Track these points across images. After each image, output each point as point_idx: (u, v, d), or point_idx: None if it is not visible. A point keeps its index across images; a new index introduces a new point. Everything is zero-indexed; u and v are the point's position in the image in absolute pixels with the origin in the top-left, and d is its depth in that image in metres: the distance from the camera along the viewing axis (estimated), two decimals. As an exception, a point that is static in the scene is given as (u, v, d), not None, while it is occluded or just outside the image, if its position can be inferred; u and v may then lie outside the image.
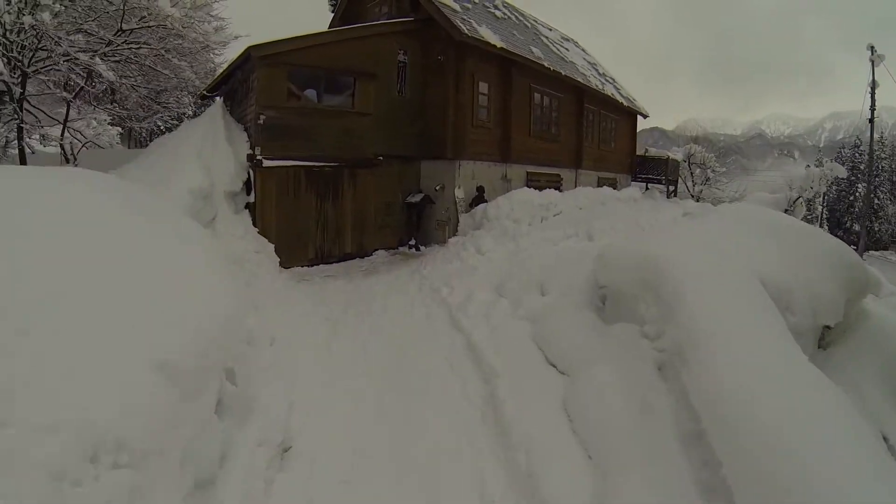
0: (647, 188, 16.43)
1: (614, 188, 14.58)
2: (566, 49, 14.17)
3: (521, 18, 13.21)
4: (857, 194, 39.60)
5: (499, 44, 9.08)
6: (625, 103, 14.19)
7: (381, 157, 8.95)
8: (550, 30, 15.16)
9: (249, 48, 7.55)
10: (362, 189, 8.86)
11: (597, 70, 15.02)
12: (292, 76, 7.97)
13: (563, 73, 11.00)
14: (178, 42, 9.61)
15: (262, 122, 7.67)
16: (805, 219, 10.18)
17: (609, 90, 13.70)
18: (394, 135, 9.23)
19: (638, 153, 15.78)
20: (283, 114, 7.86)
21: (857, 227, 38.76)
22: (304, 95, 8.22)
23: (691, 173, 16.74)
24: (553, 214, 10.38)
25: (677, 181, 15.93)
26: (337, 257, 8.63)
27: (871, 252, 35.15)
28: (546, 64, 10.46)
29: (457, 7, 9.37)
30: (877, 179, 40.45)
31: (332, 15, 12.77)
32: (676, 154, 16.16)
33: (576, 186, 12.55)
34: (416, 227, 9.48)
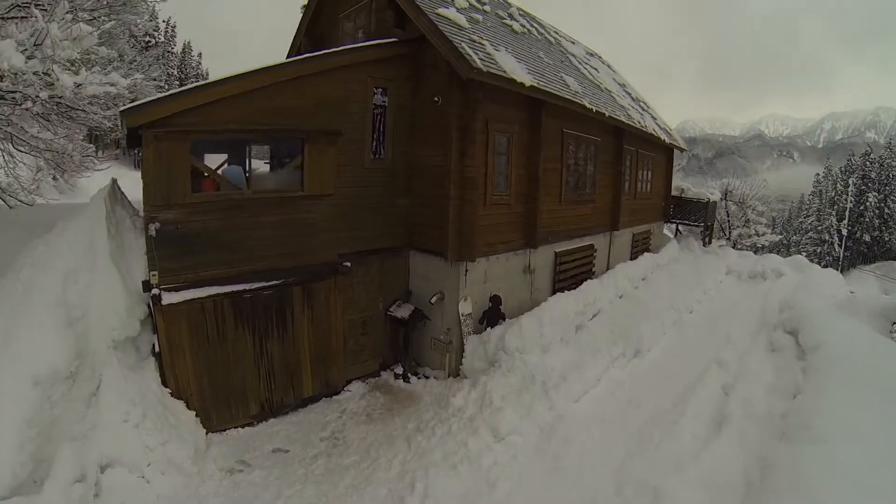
0: (677, 231, 13.20)
1: (648, 241, 11.37)
2: (595, 69, 10.63)
3: (542, 31, 9.64)
4: (868, 203, 36.38)
5: (528, 81, 5.64)
6: (665, 139, 10.76)
7: (349, 263, 5.60)
8: (574, 43, 11.55)
9: (122, 113, 4.16)
10: (323, 309, 5.46)
11: (630, 95, 11.49)
12: (200, 150, 4.64)
13: (607, 114, 7.59)
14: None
15: (154, 233, 4.34)
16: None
17: (649, 124, 10.24)
18: (368, 221, 5.80)
19: (673, 192, 12.46)
20: (188, 215, 4.48)
21: (867, 238, 35.65)
22: (223, 178, 4.82)
23: (727, 213, 13.45)
24: (591, 316, 7.23)
25: (713, 226, 12.70)
26: (293, 404, 5.38)
27: (863, 267, 31.94)
28: (587, 103, 7.05)
29: (462, 20, 5.88)
30: (887, 188, 37.15)
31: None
32: (713, 192, 12.88)
33: (609, 253, 9.33)
34: (404, 349, 6.26)
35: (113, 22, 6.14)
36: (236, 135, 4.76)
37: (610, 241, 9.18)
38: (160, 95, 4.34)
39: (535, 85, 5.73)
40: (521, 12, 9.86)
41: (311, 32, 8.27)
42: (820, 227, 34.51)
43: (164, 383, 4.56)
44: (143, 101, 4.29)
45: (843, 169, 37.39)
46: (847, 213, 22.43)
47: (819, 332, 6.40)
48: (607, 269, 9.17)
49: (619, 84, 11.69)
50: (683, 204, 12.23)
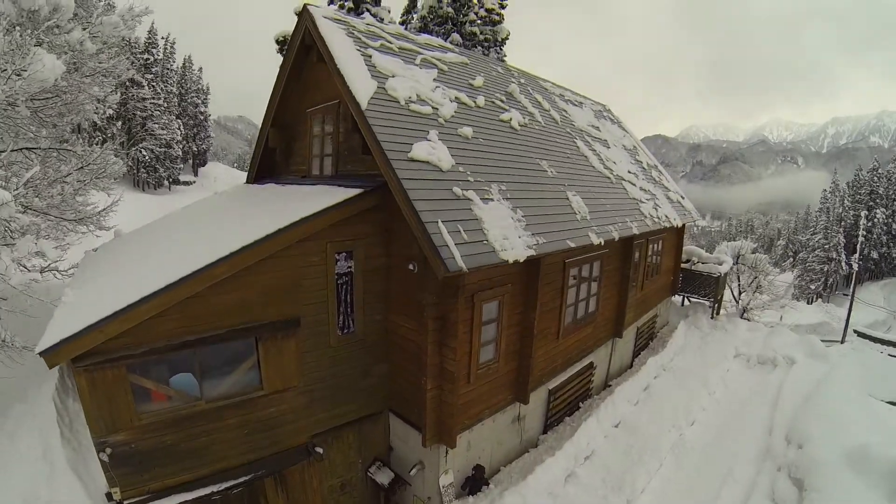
0: (684, 300, 11.93)
1: (653, 327, 10.16)
2: (604, 143, 9.17)
3: (547, 107, 8.17)
4: (876, 220, 34.20)
5: (523, 254, 4.36)
6: (678, 222, 9.35)
7: (321, 450, 4.64)
8: (581, 105, 10.03)
9: (41, 354, 3.18)
10: (298, 489, 4.58)
11: (641, 166, 10.03)
12: (142, 369, 3.70)
13: (618, 238, 6.31)
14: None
15: (107, 458, 3.63)
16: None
17: (663, 209, 8.83)
18: (341, 398, 4.82)
19: (683, 258, 11.12)
20: (139, 434, 3.73)
21: (874, 255, 33.66)
22: (173, 390, 3.88)
23: (738, 276, 12.13)
24: (583, 459, 6.24)
25: (722, 298, 11.43)
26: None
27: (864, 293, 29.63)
28: (594, 236, 5.76)
29: (443, 160, 4.39)
30: (895, 204, 34.85)
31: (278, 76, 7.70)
32: (724, 258, 11.52)
33: (610, 362, 8.19)
34: (386, 505, 5.39)
35: (37, 169, 4.94)
36: (176, 351, 3.76)
37: (612, 350, 8.03)
38: (80, 328, 3.34)
39: (534, 253, 4.50)
40: (522, 82, 8.38)
41: (279, 122, 6.97)
42: (827, 246, 32.61)
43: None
44: (61, 337, 3.29)
45: (850, 184, 35.02)
46: (859, 246, 20.71)
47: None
48: (607, 377, 8.08)
49: (629, 150, 10.21)
50: (693, 277, 10.94)
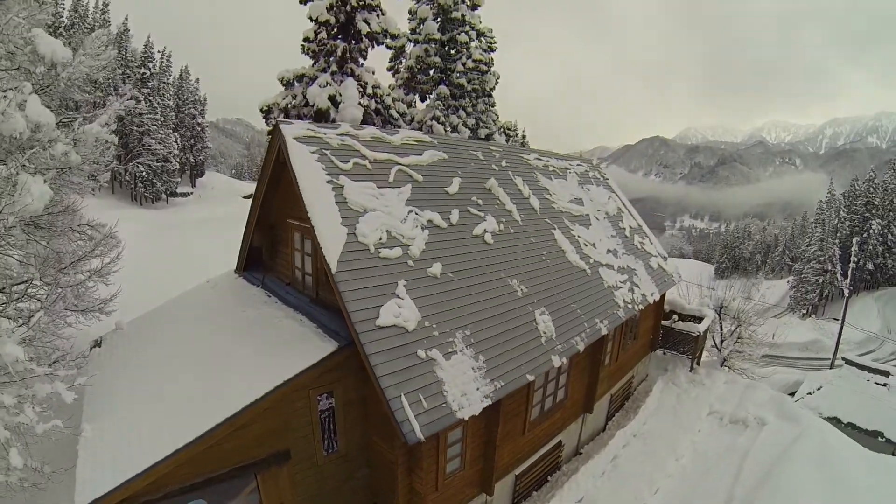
0: (664, 353, 12.39)
1: (629, 390, 10.66)
2: (585, 219, 9.42)
3: (527, 194, 8.37)
4: (871, 230, 34.14)
5: (478, 409, 4.76)
6: (656, 296, 9.66)
7: None
8: (565, 172, 10.22)
9: None
10: None
11: (624, 233, 10.29)
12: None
13: (583, 349, 6.72)
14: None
15: None
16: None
17: (642, 290, 9.12)
18: (327, 500, 5.54)
19: (665, 306, 11.53)
20: None
21: (870, 266, 33.78)
22: None
23: (721, 328, 12.56)
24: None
25: (701, 353, 11.91)
26: None
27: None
28: (557, 357, 6.19)
29: (409, 320, 4.83)
30: (891, 214, 34.67)
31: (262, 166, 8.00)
32: (707, 313, 11.91)
33: (580, 435, 8.75)
34: None
35: (42, 314, 5.37)
36: (188, 493, 4.45)
37: (582, 423, 8.57)
38: (110, 489, 4.03)
39: (490, 402, 4.96)
40: (504, 166, 8.56)
41: (263, 224, 7.33)
42: (822, 258, 32.73)
43: None
44: (94, 497, 4.00)
45: (845, 194, 34.80)
46: (850, 272, 20.90)
47: None
48: (578, 445, 8.65)
49: (613, 217, 10.45)
50: (672, 334, 11.38)
